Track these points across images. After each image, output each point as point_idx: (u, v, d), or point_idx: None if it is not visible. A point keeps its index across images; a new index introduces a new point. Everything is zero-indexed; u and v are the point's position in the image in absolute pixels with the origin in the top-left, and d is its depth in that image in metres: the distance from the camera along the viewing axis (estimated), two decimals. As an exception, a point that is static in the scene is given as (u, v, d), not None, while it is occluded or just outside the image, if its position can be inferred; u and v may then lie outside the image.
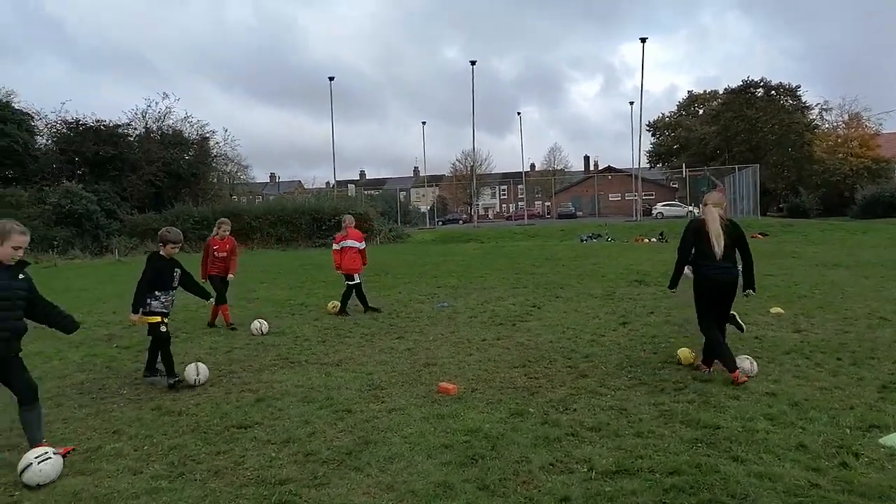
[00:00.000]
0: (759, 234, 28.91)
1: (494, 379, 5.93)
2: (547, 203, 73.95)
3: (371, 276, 15.92)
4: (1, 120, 33.54)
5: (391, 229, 38.11)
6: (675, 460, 3.84)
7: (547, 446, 4.16)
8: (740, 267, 5.77)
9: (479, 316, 9.50)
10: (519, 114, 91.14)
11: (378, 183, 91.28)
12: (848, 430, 4.25)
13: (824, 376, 5.61)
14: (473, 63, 46.75)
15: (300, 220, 34.94)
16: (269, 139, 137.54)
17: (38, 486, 3.79)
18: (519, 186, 68.81)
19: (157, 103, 54.24)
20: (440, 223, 58.70)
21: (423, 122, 62.06)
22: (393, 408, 5.12)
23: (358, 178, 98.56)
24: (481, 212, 78.93)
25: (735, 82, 66.53)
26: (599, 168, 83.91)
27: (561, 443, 4.22)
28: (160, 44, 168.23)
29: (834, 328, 7.71)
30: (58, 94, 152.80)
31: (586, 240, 31.32)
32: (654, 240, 29.15)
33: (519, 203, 77.13)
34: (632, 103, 51.69)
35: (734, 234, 5.69)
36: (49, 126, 37.70)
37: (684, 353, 6.29)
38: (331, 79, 46.92)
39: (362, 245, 10.28)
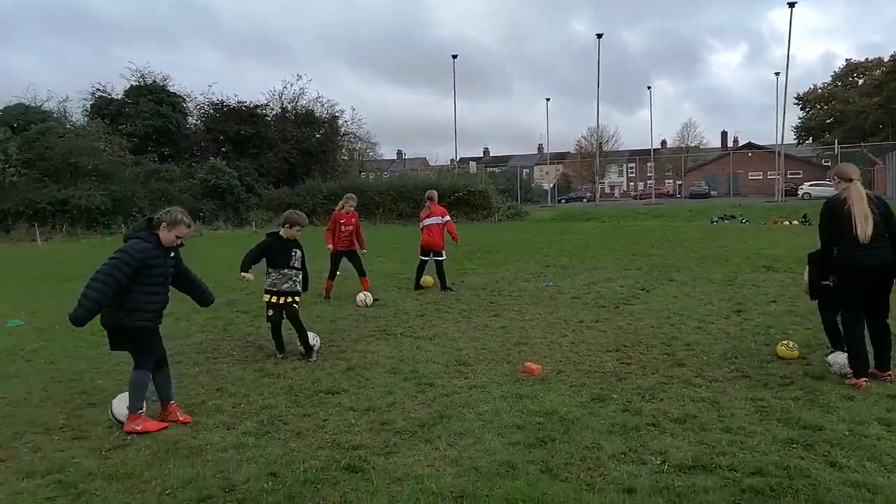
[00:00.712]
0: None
1: (584, 362, 5.78)
2: (678, 182, 70.05)
3: (481, 253, 16.04)
4: (158, 102, 37.12)
5: (510, 207, 38.00)
6: (762, 460, 3.55)
7: (623, 434, 4.00)
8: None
9: (583, 297, 9.26)
10: (649, 88, 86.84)
11: (502, 160, 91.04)
12: (980, 444, 3.71)
13: (966, 381, 4.92)
14: (600, 36, 45.20)
15: (421, 196, 35.60)
16: (397, 117, 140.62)
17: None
18: (648, 164, 65.75)
19: (291, 85, 56.94)
20: (562, 201, 57.65)
21: (548, 99, 61.27)
22: (474, 384, 5.15)
23: (482, 155, 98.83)
24: (607, 190, 76.45)
25: (904, 47, 58.94)
26: (739, 144, 78.13)
27: (639, 432, 4.04)
28: (296, 26, 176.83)
29: None
30: (206, 76, 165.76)
31: (717, 221, 29.45)
32: (795, 222, 26.83)
33: (648, 181, 73.84)
34: (777, 74, 47.56)
35: (883, 211, 4.93)
36: (198, 107, 41.27)
37: (781, 349, 5.77)
38: (454, 56, 47.53)
39: (445, 219, 10.31)
